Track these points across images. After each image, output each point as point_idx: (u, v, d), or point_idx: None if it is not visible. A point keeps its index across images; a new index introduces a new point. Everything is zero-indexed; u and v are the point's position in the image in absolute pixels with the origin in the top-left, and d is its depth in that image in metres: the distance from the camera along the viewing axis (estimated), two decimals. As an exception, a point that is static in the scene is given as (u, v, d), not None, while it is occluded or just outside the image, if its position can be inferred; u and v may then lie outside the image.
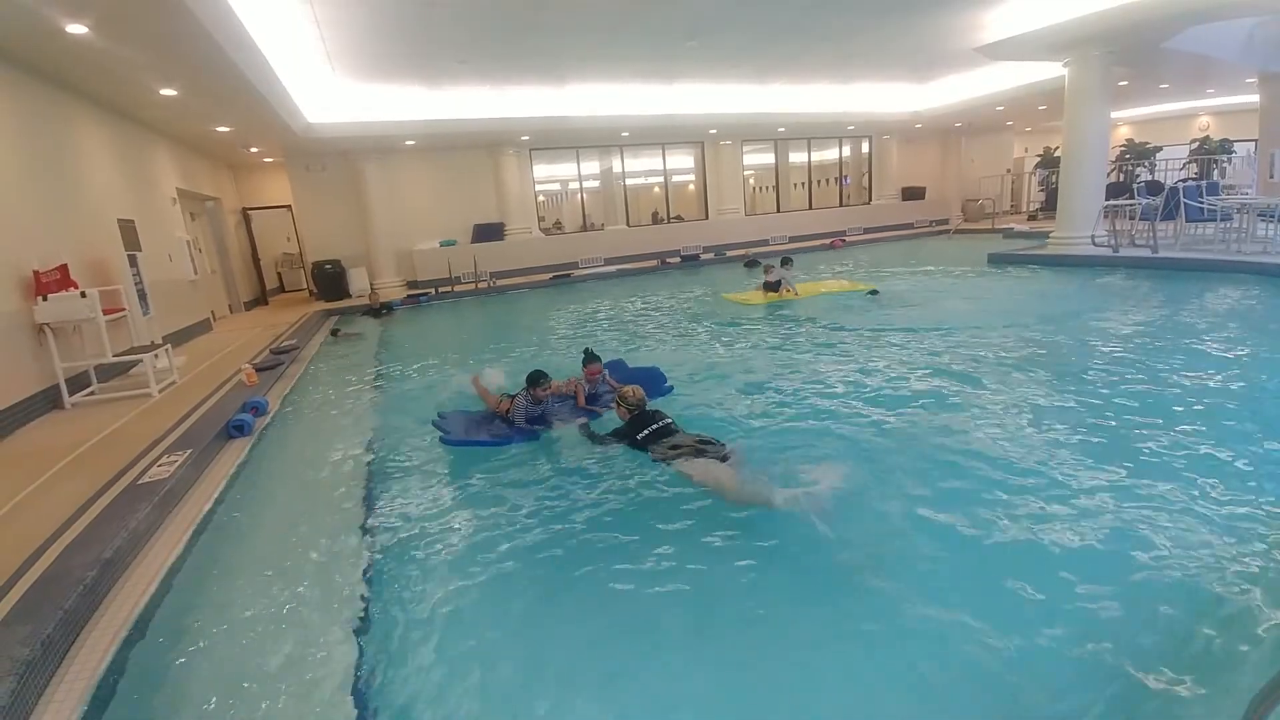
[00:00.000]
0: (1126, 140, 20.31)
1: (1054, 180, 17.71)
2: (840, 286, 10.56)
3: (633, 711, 2.20)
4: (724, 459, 3.61)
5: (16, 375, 5.51)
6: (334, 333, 10.32)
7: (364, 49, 9.56)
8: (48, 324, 5.73)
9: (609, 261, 16.79)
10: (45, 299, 5.73)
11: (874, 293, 9.74)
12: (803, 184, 20.77)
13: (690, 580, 2.84)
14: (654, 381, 5.30)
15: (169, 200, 10.23)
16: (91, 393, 6.21)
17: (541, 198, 17.59)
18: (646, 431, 3.98)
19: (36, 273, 5.79)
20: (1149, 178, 17.26)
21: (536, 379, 4.75)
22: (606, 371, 5.39)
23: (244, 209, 15.36)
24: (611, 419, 4.69)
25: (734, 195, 18.99)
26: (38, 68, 6.44)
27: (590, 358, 5.24)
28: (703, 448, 3.73)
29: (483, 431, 4.78)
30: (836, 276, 11.81)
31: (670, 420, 4.08)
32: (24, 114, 6.32)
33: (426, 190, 15.55)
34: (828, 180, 21.22)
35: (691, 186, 19.61)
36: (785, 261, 10.57)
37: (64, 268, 6.11)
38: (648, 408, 4.24)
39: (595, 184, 18.33)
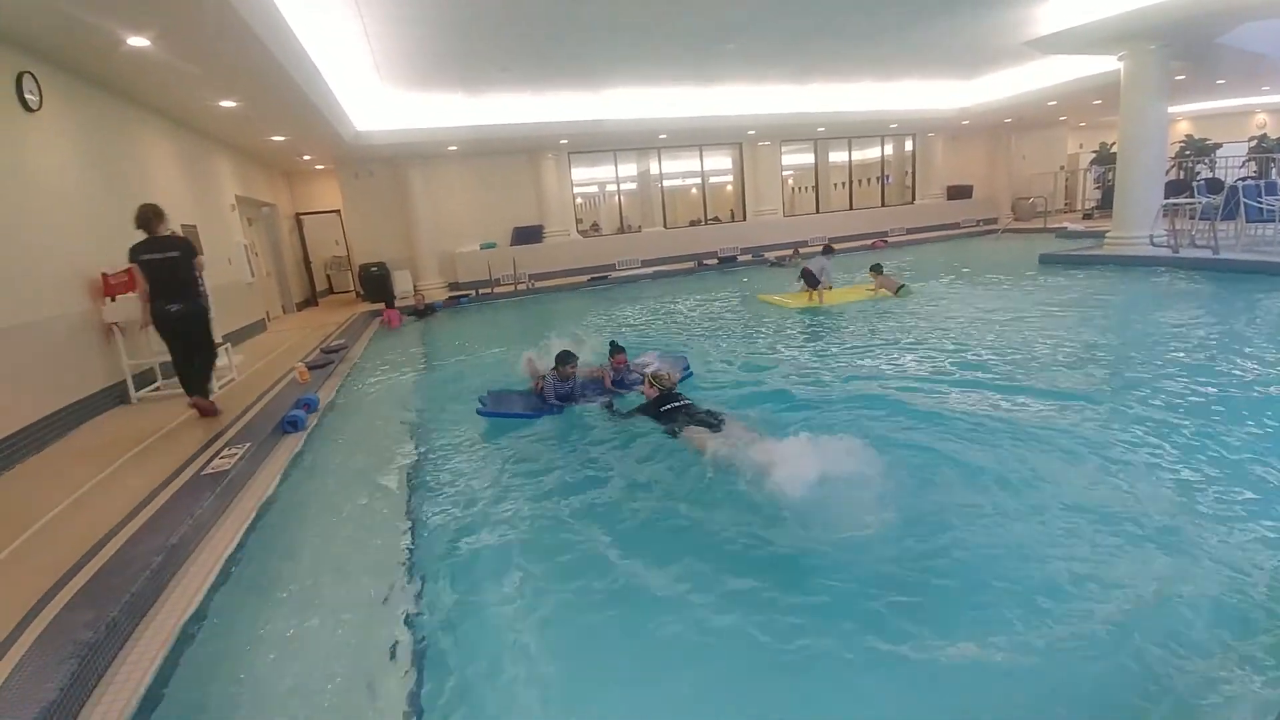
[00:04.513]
0: (1186, 136, 19.42)
1: (1110, 177, 17.04)
2: (865, 293, 9.89)
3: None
4: (717, 429, 4.15)
5: (86, 371, 5.84)
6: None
7: (410, 59, 9.82)
8: (116, 323, 6.05)
9: (646, 263, 16.84)
10: (114, 300, 6.06)
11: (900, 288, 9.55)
12: (843, 184, 20.45)
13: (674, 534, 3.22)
14: (678, 367, 5.91)
15: (229, 206, 10.68)
16: (156, 388, 6.54)
17: (579, 200, 17.76)
18: (668, 407, 4.57)
19: (105, 275, 6.12)
20: (1209, 175, 16.48)
21: (563, 359, 5.32)
22: (631, 361, 5.86)
23: (297, 214, 15.93)
24: (632, 399, 5.30)
25: (772, 196, 18.82)
26: (105, 81, 6.80)
27: (615, 349, 5.71)
28: (705, 419, 4.31)
29: (517, 406, 5.34)
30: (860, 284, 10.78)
31: (690, 401, 4.62)
32: (94, 125, 6.68)
33: (468, 194, 15.87)
34: (869, 180, 20.84)
35: (729, 188, 19.52)
36: (827, 251, 10.23)
37: (131, 270, 6.43)
38: (675, 390, 4.84)
39: (633, 186, 18.41)
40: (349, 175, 14.82)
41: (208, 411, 5.48)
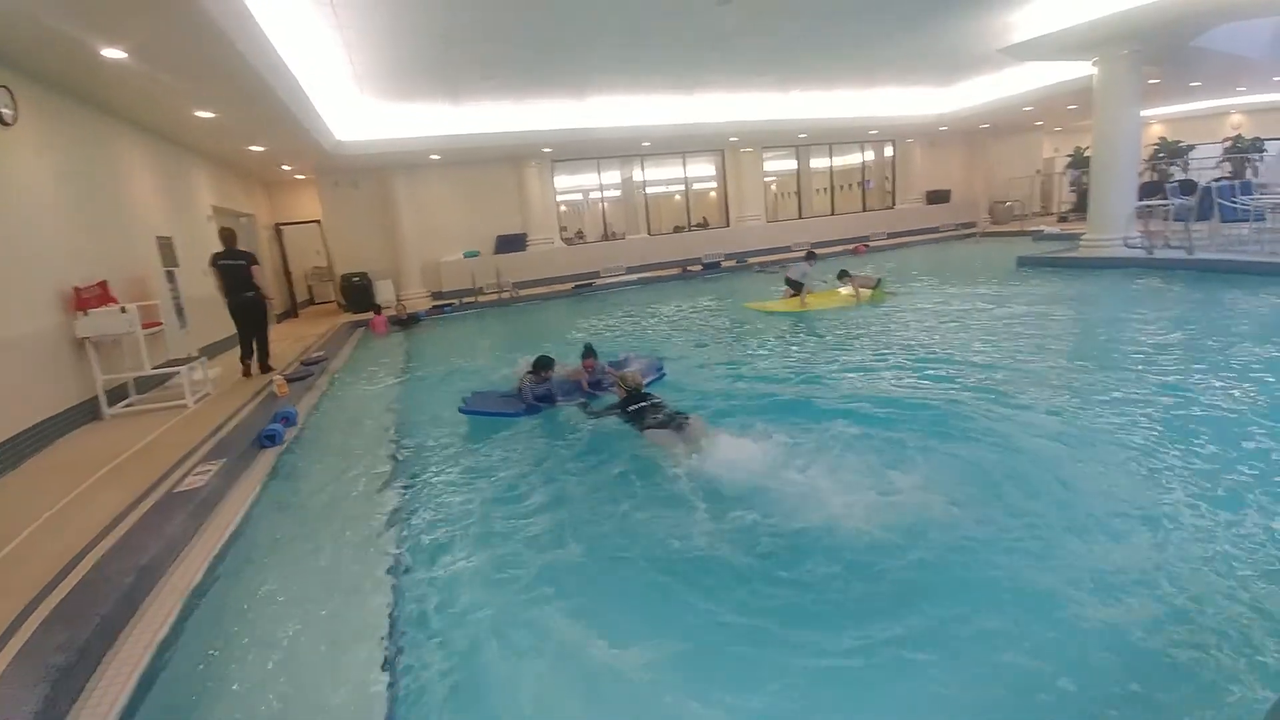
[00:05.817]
0: (1160, 139, 19.82)
1: (1085, 181, 17.34)
2: (847, 298, 9.76)
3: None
4: (679, 428, 4.29)
5: (58, 387, 5.71)
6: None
7: (390, 71, 9.78)
8: (88, 338, 5.94)
9: (630, 270, 16.86)
10: (86, 314, 5.95)
11: (876, 284, 9.59)
12: (825, 189, 20.63)
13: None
14: (651, 368, 6.15)
15: (205, 218, 10.54)
16: (130, 404, 6.42)
17: (563, 208, 17.75)
18: (636, 406, 4.70)
19: (77, 289, 6.01)
20: (1183, 177, 16.83)
21: (539, 364, 5.58)
22: (603, 364, 5.97)
23: (276, 224, 15.76)
24: (607, 400, 5.40)
25: (755, 202, 18.94)
26: (80, 92, 6.70)
27: (587, 353, 5.83)
28: (668, 418, 4.45)
29: (497, 406, 5.54)
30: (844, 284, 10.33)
31: (659, 400, 4.77)
32: (67, 136, 6.57)
33: (451, 203, 15.81)
34: (850, 185, 21.05)
35: (713, 194, 19.62)
36: (809, 257, 10.33)
37: (104, 284, 6.33)
38: (643, 390, 4.99)
39: (616, 193, 18.44)
40: (329, 185, 14.71)
41: (268, 369, 7.71)
